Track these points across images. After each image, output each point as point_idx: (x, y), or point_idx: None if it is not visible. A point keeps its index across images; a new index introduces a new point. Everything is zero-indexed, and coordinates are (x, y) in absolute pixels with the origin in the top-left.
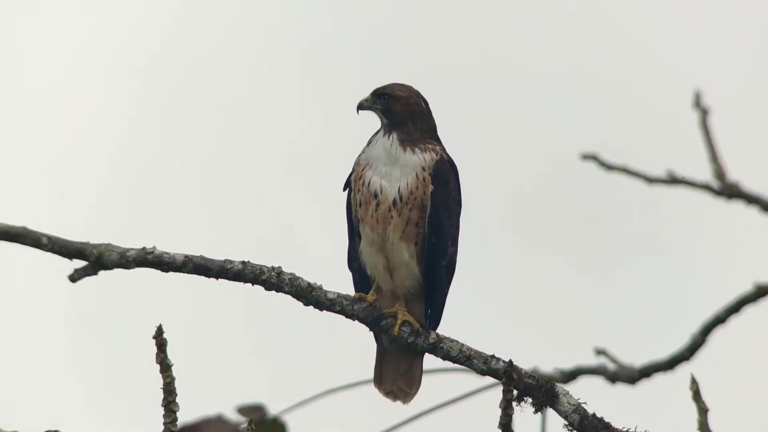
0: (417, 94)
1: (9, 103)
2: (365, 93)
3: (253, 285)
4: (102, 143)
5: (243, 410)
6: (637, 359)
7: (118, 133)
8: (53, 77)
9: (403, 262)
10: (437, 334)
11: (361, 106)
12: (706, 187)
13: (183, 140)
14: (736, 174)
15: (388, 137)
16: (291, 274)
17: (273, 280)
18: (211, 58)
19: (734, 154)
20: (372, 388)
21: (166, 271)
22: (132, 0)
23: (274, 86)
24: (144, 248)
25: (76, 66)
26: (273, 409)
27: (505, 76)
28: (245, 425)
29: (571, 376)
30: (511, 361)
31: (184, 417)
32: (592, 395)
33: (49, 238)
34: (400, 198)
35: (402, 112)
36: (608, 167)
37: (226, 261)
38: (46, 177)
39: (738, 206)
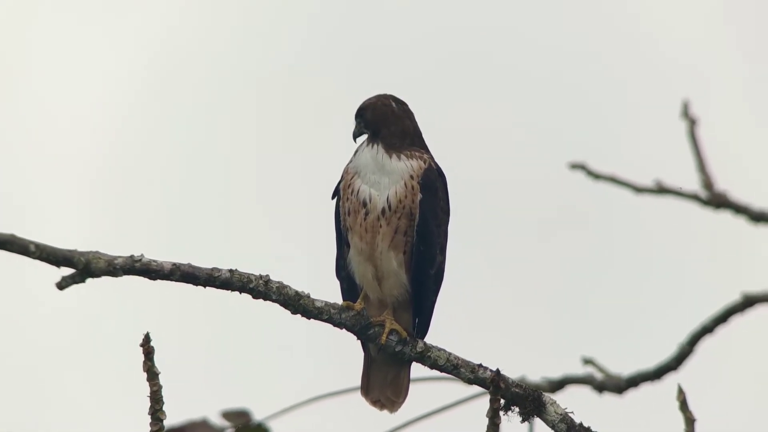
0: (386, 97)
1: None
2: (356, 103)
3: (240, 293)
4: (90, 151)
5: (228, 415)
6: (624, 369)
7: (107, 140)
8: (49, 84)
9: (392, 270)
10: (425, 343)
11: (355, 135)
12: (694, 197)
13: (173, 148)
14: (723, 184)
15: (373, 146)
16: (279, 282)
17: (260, 288)
18: (202, 68)
19: (722, 164)
20: (358, 396)
21: (154, 279)
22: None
23: (263, 94)
24: (132, 256)
25: (70, 74)
26: (258, 415)
27: (492, 84)
28: (230, 430)
29: (558, 385)
30: (498, 370)
31: (169, 421)
32: (580, 404)
33: (37, 245)
34: (389, 207)
35: (374, 119)
36: (596, 176)
37: (213, 269)
38: (37, 183)
39: (726, 216)
